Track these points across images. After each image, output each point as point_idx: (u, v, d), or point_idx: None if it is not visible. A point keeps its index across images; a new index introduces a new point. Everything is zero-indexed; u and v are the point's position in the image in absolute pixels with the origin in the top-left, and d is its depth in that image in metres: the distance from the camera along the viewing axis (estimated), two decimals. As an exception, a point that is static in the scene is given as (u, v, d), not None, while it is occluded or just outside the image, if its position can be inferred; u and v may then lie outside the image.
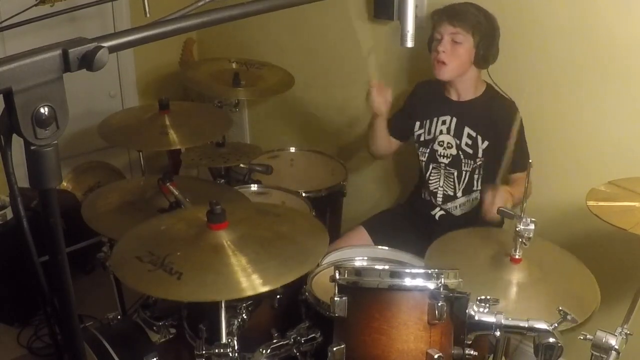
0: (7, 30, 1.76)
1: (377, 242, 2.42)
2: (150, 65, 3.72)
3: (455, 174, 2.40)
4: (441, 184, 2.43)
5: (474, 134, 2.35)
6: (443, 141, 2.40)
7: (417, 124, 2.48)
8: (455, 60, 2.27)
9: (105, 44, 0.73)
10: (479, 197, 2.39)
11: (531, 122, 2.36)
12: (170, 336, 2.00)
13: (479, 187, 2.39)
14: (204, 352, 1.68)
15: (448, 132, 2.39)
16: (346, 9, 2.91)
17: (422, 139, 2.47)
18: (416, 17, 1.16)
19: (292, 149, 3.05)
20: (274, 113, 3.52)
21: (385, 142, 2.55)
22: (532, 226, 1.75)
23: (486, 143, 2.33)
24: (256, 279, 1.58)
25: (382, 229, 2.50)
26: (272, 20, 3.27)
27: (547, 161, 2.35)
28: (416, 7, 1.17)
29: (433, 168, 2.45)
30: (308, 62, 3.19)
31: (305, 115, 3.31)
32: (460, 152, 2.37)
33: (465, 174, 2.38)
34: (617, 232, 1.62)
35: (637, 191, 1.80)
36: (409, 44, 1.17)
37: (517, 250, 1.81)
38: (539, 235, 1.80)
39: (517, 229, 1.77)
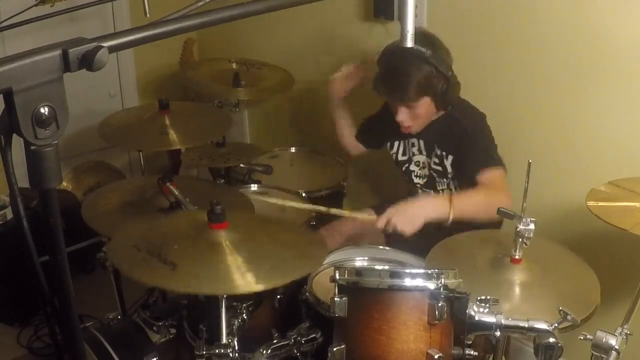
0: (7, 30, 1.77)
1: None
2: (150, 65, 3.72)
3: (432, 193, 2.38)
4: None
5: (439, 152, 2.31)
6: (419, 161, 2.39)
7: (392, 144, 2.44)
8: (418, 120, 2.23)
9: (105, 44, 0.74)
10: None
11: (531, 122, 2.37)
12: (170, 336, 2.00)
13: None
14: (204, 352, 1.68)
15: (420, 153, 2.37)
16: (346, 9, 2.91)
17: (398, 159, 2.45)
18: (416, 17, 1.16)
19: (292, 149, 3.05)
20: (274, 113, 3.52)
21: (349, 139, 2.60)
22: (532, 226, 1.75)
23: (450, 157, 2.29)
24: (250, 278, 1.59)
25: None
26: (272, 20, 3.27)
27: (547, 161, 2.35)
28: (416, 7, 1.17)
29: (411, 188, 2.43)
30: (308, 62, 3.19)
31: (305, 115, 3.31)
32: (432, 172, 2.35)
33: (442, 192, 2.36)
34: (617, 232, 1.62)
35: (637, 191, 1.80)
36: (409, 43, 1.17)
37: (517, 251, 1.81)
38: (538, 235, 1.80)
39: (517, 229, 1.77)
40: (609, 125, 2.22)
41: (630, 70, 2.11)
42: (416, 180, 2.41)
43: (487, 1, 2.41)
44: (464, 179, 2.27)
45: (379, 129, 2.51)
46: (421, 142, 2.36)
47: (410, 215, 2.03)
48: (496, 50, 2.38)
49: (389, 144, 2.46)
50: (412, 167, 2.41)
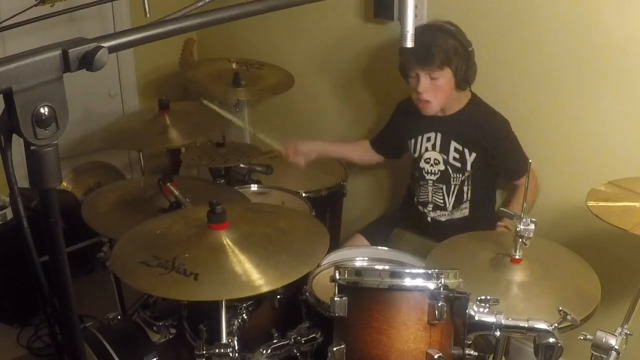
0: (7, 30, 1.76)
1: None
2: (150, 66, 3.72)
3: (444, 188, 2.38)
4: (430, 199, 2.42)
5: (460, 148, 2.32)
6: (429, 158, 2.39)
7: (408, 145, 2.46)
8: (438, 94, 2.25)
9: (105, 44, 0.73)
10: (468, 208, 2.39)
11: (531, 122, 2.36)
12: (170, 336, 2.00)
13: (469, 198, 2.38)
14: (204, 352, 1.68)
15: (434, 149, 2.37)
16: (346, 9, 2.91)
17: (412, 157, 2.46)
18: (416, 17, 1.16)
19: (292, 149, 3.05)
20: (274, 113, 3.51)
21: (361, 159, 2.67)
22: (532, 226, 1.75)
23: (474, 155, 2.31)
24: (271, 275, 1.60)
25: (378, 233, 2.51)
26: (272, 20, 3.27)
27: (547, 161, 2.35)
28: (416, 7, 1.17)
29: (421, 185, 2.43)
30: (308, 62, 3.19)
31: (306, 115, 3.31)
32: (449, 167, 2.35)
33: (455, 187, 2.36)
34: (617, 232, 1.62)
35: (637, 191, 1.80)
36: (409, 44, 1.17)
37: (518, 251, 1.81)
38: (539, 235, 1.80)
39: (517, 229, 1.77)
40: (608, 125, 2.22)
41: (630, 71, 2.11)
42: (428, 176, 2.41)
43: (487, 1, 2.41)
44: (483, 182, 2.32)
45: (395, 137, 2.53)
46: (439, 135, 2.36)
47: None
48: (496, 50, 2.38)
49: (407, 143, 2.46)
50: (422, 164, 2.40)
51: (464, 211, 2.39)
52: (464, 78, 2.24)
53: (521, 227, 1.76)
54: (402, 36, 1.17)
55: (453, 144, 2.33)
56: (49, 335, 2.63)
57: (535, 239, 1.78)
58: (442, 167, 2.36)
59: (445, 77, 2.21)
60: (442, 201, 2.39)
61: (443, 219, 2.42)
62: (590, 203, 1.74)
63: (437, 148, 2.37)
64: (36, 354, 2.71)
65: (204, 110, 2.83)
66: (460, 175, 2.34)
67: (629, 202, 1.75)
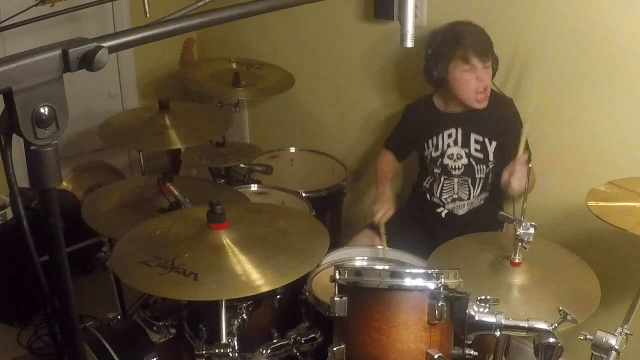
0: (7, 30, 1.76)
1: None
2: (150, 65, 3.72)
3: (469, 181, 2.39)
4: (456, 191, 2.42)
5: (480, 139, 2.34)
6: (452, 154, 2.39)
7: (425, 143, 2.45)
8: (489, 86, 2.29)
9: (105, 44, 0.73)
10: (487, 196, 2.40)
11: (531, 122, 2.36)
12: (170, 336, 1.99)
13: (489, 187, 2.39)
14: (204, 352, 1.68)
15: (455, 144, 2.38)
16: (346, 9, 2.91)
17: (432, 156, 2.44)
18: (416, 17, 1.16)
19: (292, 149, 3.05)
20: (274, 113, 3.52)
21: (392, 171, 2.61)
22: (531, 230, 1.75)
23: (494, 143, 2.33)
24: (271, 275, 1.60)
25: (388, 228, 2.51)
26: (272, 20, 3.27)
27: (547, 161, 2.35)
28: (416, 7, 1.17)
29: (445, 179, 2.42)
30: (308, 62, 3.19)
31: (305, 115, 3.31)
32: (472, 159, 2.36)
33: (479, 180, 2.38)
34: (617, 232, 1.62)
35: (637, 191, 1.80)
36: (409, 44, 1.17)
37: (517, 254, 1.81)
38: (539, 236, 1.80)
39: (516, 233, 1.77)
40: (609, 125, 2.22)
41: (630, 71, 2.11)
42: (454, 172, 2.40)
43: (487, 2, 2.41)
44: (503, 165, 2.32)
45: (410, 139, 2.52)
46: (459, 130, 2.37)
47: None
48: (495, 50, 2.37)
49: (424, 144, 2.45)
50: (446, 161, 2.40)
51: (481, 202, 2.41)
52: (496, 67, 2.31)
53: (521, 231, 1.76)
54: (402, 36, 1.17)
55: (473, 136, 2.35)
56: (49, 335, 2.63)
57: (535, 241, 1.78)
58: (465, 161, 2.37)
59: (491, 64, 2.28)
60: (467, 194, 2.40)
61: (461, 212, 2.41)
62: (590, 203, 1.74)
63: (459, 143, 2.38)
64: (36, 354, 2.71)
65: (205, 111, 2.84)
66: (484, 166, 2.36)
67: (629, 202, 1.75)
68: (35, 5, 2.23)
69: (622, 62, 2.12)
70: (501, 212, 1.93)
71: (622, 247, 2.16)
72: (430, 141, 2.44)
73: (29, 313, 2.84)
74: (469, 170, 2.38)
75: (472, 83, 2.26)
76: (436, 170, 2.44)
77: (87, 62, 0.72)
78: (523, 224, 1.75)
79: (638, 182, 1.85)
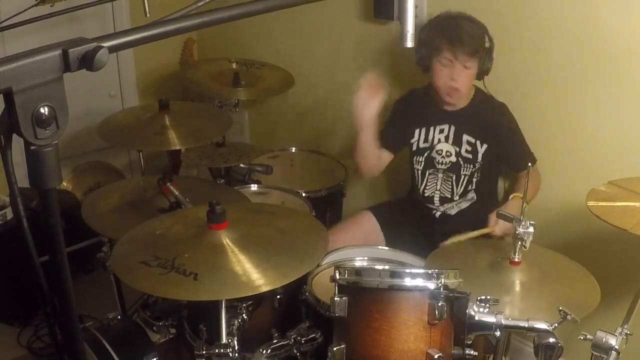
0: (7, 30, 1.76)
1: (383, 227, 2.46)
2: (150, 65, 3.72)
3: (454, 177, 2.38)
4: (438, 188, 2.41)
5: (472, 140, 2.34)
6: (442, 150, 2.39)
7: (414, 132, 2.43)
8: (467, 84, 2.27)
9: (105, 44, 0.73)
10: (475, 197, 2.40)
11: (531, 122, 2.36)
12: (170, 336, 1.99)
13: (474, 187, 2.38)
14: (204, 352, 1.68)
15: (446, 141, 2.38)
16: (346, 9, 2.91)
17: (418, 146, 2.43)
18: (416, 17, 1.16)
19: (292, 149, 3.05)
20: (274, 113, 3.52)
21: (374, 159, 2.42)
22: (531, 229, 1.75)
23: (485, 146, 2.33)
24: (271, 275, 1.60)
25: (389, 215, 2.51)
26: (272, 20, 3.27)
27: (547, 161, 2.35)
28: (416, 7, 1.17)
29: (430, 174, 2.42)
30: (308, 62, 3.19)
31: (306, 115, 3.31)
32: (460, 159, 2.36)
33: (464, 177, 2.38)
34: (617, 232, 1.62)
35: (637, 191, 1.80)
36: (409, 44, 1.17)
37: (517, 253, 1.81)
38: (538, 237, 1.80)
39: (516, 232, 1.77)
40: (608, 125, 2.22)
41: (630, 71, 2.11)
42: (439, 166, 2.40)
43: (487, 2, 2.41)
44: (491, 173, 2.37)
45: (400, 127, 2.50)
46: (452, 128, 2.37)
47: None
48: (495, 50, 2.37)
49: (414, 131, 2.44)
50: (434, 155, 2.40)
51: (471, 201, 2.41)
52: (485, 70, 2.27)
53: (520, 230, 1.76)
54: (402, 36, 1.17)
55: (465, 137, 2.35)
56: (49, 335, 2.63)
57: (535, 241, 1.78)
58: (453, 159, 2.37)
59: (475, 66, 2.24)
60: (450, 191, 2.40)
61: (453, 212, 2.42)
62: (590, 203, 1.74)
63: (450, 140, 2.37)
64: (36, 354, 2.71)
65: (205, 111, 2.84)
66: (471, 166, 2.36)
67: (629, 202, 1.75)
68: (35, 5, 2.23)
69: (623, 62, 2.12)
70: (500, 211, 1.92)
71: (622, 247, 2.16)
72: (419, 130, 2.43)
73: (29, 313, 2.84)
74: (455, 167, 2.38)
75: (444, 78, 2.25)
76: (421, 162, 2.43)
77: (87, 62, 0.72)
78: (523, 223, 1.75)
79: (638, 182, 1.85)
